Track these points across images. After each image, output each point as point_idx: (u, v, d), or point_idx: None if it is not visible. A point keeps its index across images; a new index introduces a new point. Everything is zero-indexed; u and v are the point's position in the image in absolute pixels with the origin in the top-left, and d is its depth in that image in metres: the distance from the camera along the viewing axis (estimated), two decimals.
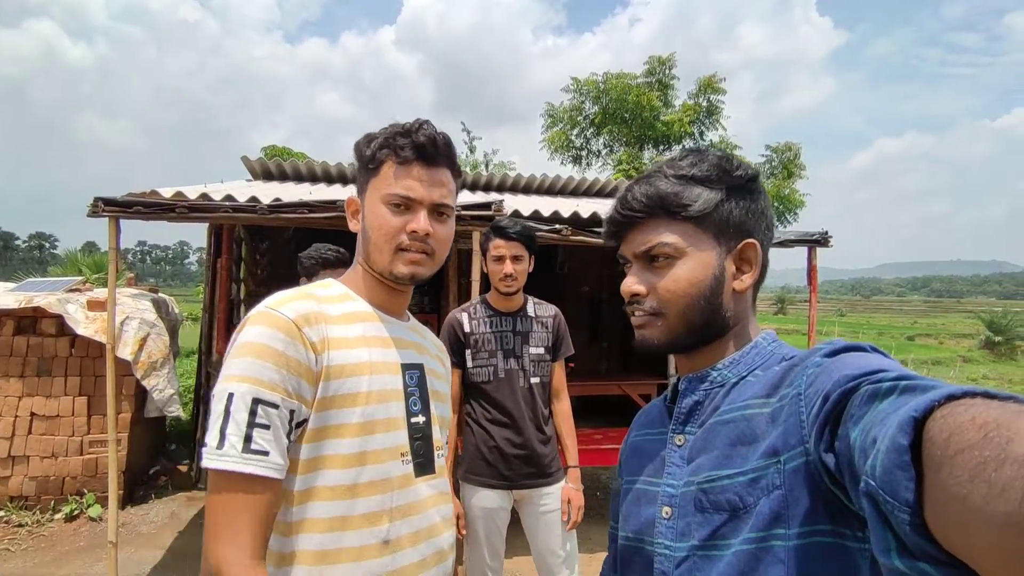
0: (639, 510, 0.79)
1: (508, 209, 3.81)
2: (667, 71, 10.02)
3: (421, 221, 0.94)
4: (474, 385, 2.24)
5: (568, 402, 2.33)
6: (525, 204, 4.53)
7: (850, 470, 0.49)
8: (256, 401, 0.81)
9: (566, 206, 4.50)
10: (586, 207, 4.45)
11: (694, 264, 0.75)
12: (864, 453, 0.45)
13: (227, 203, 3.48)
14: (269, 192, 4.58)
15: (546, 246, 6.89)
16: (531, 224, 2.15)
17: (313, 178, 6.35)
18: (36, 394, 4.30)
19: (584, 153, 11.60)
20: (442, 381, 1.10)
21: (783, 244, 3.85)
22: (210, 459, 0.79)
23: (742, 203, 0.77)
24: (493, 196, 5.44)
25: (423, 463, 0.98)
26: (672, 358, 4.84)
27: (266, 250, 6.25)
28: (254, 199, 3.87)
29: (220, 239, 5.23)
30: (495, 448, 2.18)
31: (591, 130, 11.15)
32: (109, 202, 3.10)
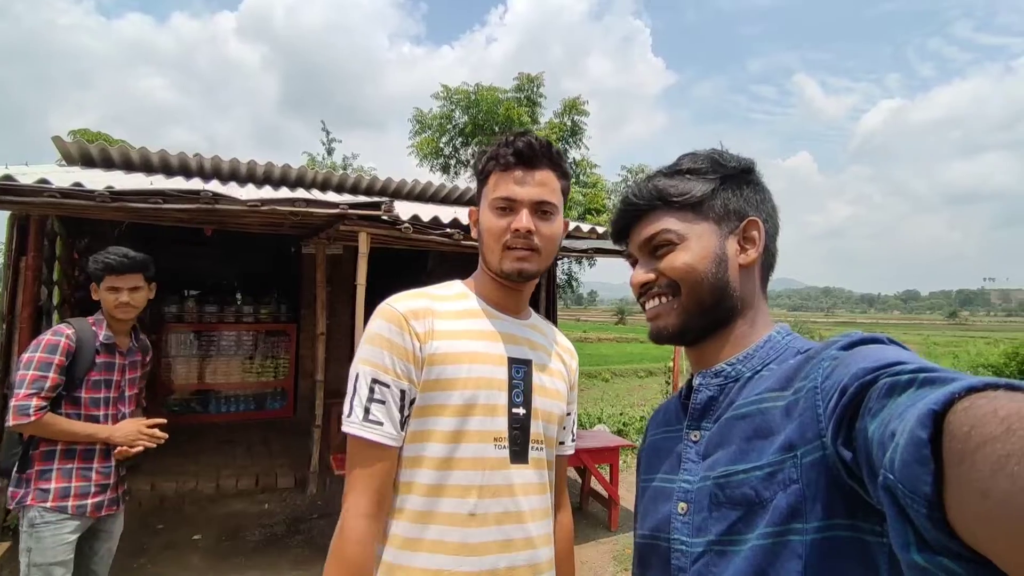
0: (656, 507, 0.78)
1: (403, 213, 3.60)
2: (535, 88, 10.41)
3: (523, 220, 1.02)
4: None
5: None
6: (406, 209, 4.33)
7: (868, 464, 0.48)
8: (374, 381, 0.98)
9: (445, 213, 4.39)
10: (463, 215, 4.38)
11: (695, 246, 0.77)
12: (883, 447, 0.44)
13: (49, 187, 2.84)
14: (95, 179, 3.86)
15: (415, 252, 6.72)
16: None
17: (148, 168, 5.52)
18: None
19: (453, 162, 11.58)
20: (554, 378, 1.13)
21: None
22: (344, 425, 0.98)
23: (739, 190, 0.80)
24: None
25: (518, 452, 1.04)
26: None
27: (86, 248, 5.24)
28: (79, 184, 3.22)
29: (25, 233, 4.26)
30: None
31: (460, 139, 11.17)
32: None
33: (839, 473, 0.56)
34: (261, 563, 3.74)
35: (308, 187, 6.12)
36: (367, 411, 0.97)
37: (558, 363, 1.17)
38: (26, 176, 3.47)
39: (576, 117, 10.22)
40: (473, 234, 1.13)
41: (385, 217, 3.12)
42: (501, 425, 1.03)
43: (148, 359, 2.38)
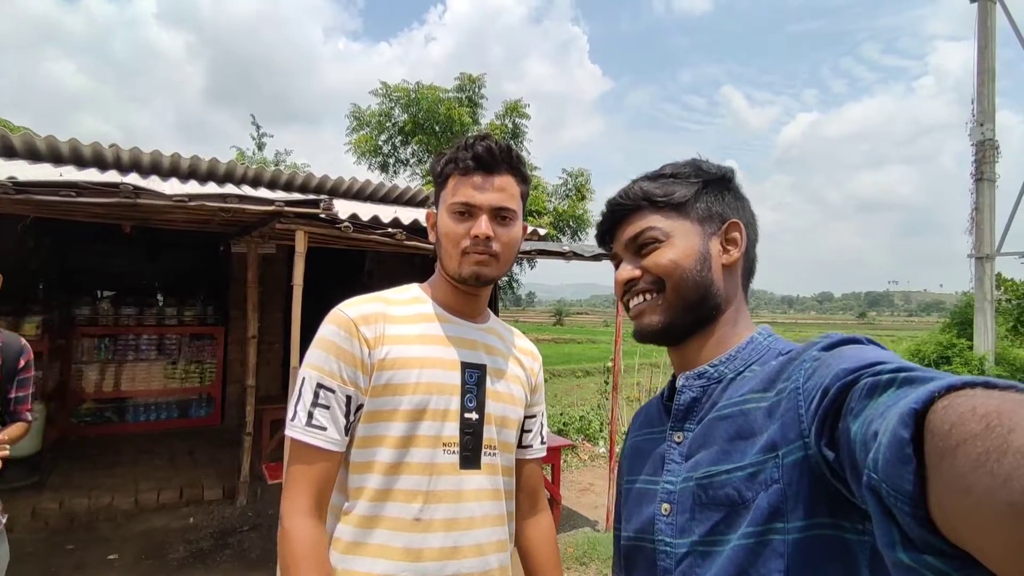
0: (640, 509, 0.78)
1: (343, 212, 3.48)
2: (477, 89, 10.37)
3: (482, 226, 1.02)
4: None
5: None
6: (344, 208, 4.19)
7: (851, 464, 0.48)
8: (319, 386, 0.98)
9: (385, 212, 4.29)
10: (404, 214, 4.30)
11: (681, 244, 0.78)
12: (865, 447, 0.44)
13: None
14: None
15: (355, 252, 6.53)
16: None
17: (56, 158, 5.10)
18: None
19: (392, 161, 11.33)
20: (510, 383, 1.13)
21: (596, 257, 4.19)
22: (287, 428, 0.98)
23: (720, 195, 0.82)
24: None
25: (470, 457, 1.04)
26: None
27: None
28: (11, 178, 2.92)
29: None
30: None
31: (399, 138, 10.95)
32: None
33: (822, 473, 0.56)
34: None
35: (238, 183, 5.82)
36: (310, 416, 0.96)
37: (516, 367, 1.16)
38: None
39: (517, 119, 10.28)
40: (431, 237, 1.13)
41: (324, 216, 3.00)
42: (452, 430, 1.02)
43: (24, 362, 2.07)
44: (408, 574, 0.97)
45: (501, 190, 1.04)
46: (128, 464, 5.11)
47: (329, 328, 1.01)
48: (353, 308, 1.02)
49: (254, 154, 13.55)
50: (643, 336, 0.81)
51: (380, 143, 10.95)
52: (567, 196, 10.19)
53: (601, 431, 7.35)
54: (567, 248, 4.07)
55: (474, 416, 1.05)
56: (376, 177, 10.62)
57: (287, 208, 2.85)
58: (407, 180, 10.97)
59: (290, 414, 0.98)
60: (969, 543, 0.35)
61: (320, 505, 0.97)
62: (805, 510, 0.59)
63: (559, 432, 7.00)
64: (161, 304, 6.61)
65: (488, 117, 10.43)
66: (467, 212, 1.03)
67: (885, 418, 0.43)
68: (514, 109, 10.21)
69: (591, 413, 8.14)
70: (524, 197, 1.11)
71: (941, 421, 0.37)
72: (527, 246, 4.04)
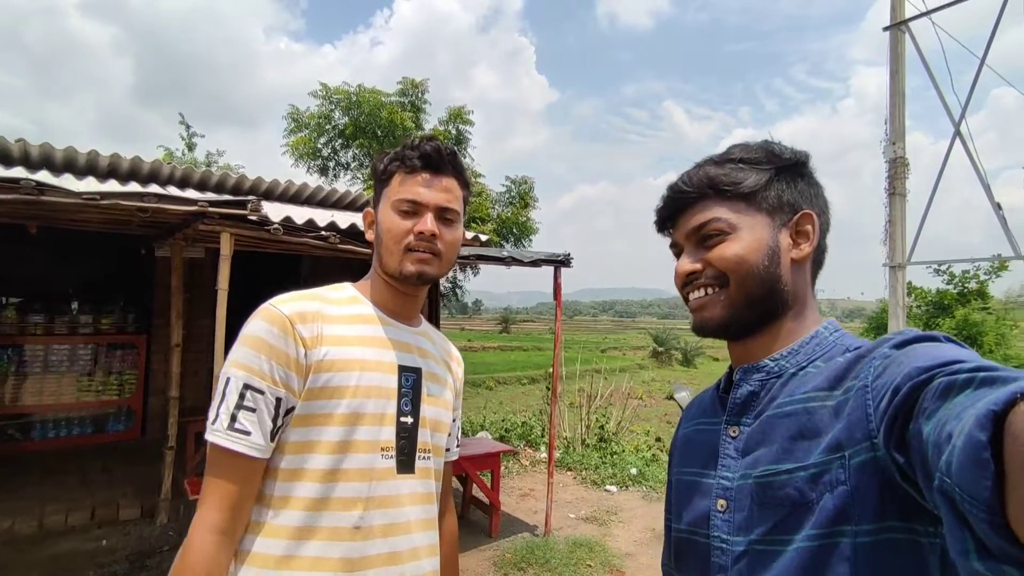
0: (692, 503, 0.76)
1: (275, 215, 3.34)
2: (420, 95, 10.26)
3: (428, 223, 1.00)
4: None
5: None
6: (277, 211, 4.04)
7: (923, 467, 0.46)
8: (246, 387, 0.91)
9: (322, 216, 4.16)
10: (341, 218, 4.19)
11: (747, 237, 0.73)
12: (939, 449, 0.42)
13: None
14: None
15: (289, 257, 6.31)
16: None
17: None
18: None
19: (332, 164, 11.03)
20: (442, 387, 1.13)
21: (535, 263, 4.22)
22: (208, 432, 0.91)
23: (793, 182, 0.77)
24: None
25: (405, 461, 1.02)
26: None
27: None
28: None
29: None
30: None
31: (339, 141, 10.67)
32: None
33: (891, 475, 0.54)
34: None
35: (163, 184, 5.50)
36: (234, 419, 0.90)
37: (446, 371, 1.16)
38: None
39: (461, 126, 10.25)
40: (368, 236, 1.10)
41: (252, 217, 2.88)
42: (389, 434, 1.00)
43: None
44: None
45: (447, 191, 1.04)
46: (33, 485, 4.70)
47: (260, 325, 0.94)
48: (288, 305, 0.97)
49: (183, 155, 12.90)
50: (703, 330, 0.77)
51: (319, 146, 10.65)
52: (510, 203, 10.22)
53: (543, 436, 7.39)
54: (506, 254, 4.07)
55: (410, 420, 1.03)
56: (315, 180, 10.34)
57: (211, 209, 2.71)
58: (347, 184, 10.74)
59: (211, 416, 0.91)
60: None
61: (236, 518, 0.91)
62: (874, 513, 0.57)
63: (500, 438, 6.98)
64: (75, 311, 6.16)
65: (431, 123, 10.38)
66: (412, 209, 1.01)
67: (961, 419, 0.41)
68: (457, 115, 10.18)
69: (533, 419, 8.17)
70: (466, 202, 1.11)
71: (1022, 424, 0.35)
72: (467, 251, 4.02)
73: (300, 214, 3.89)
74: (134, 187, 4.44)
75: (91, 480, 4.92)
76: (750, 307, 0.74)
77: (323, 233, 3.26)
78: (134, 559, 3.82)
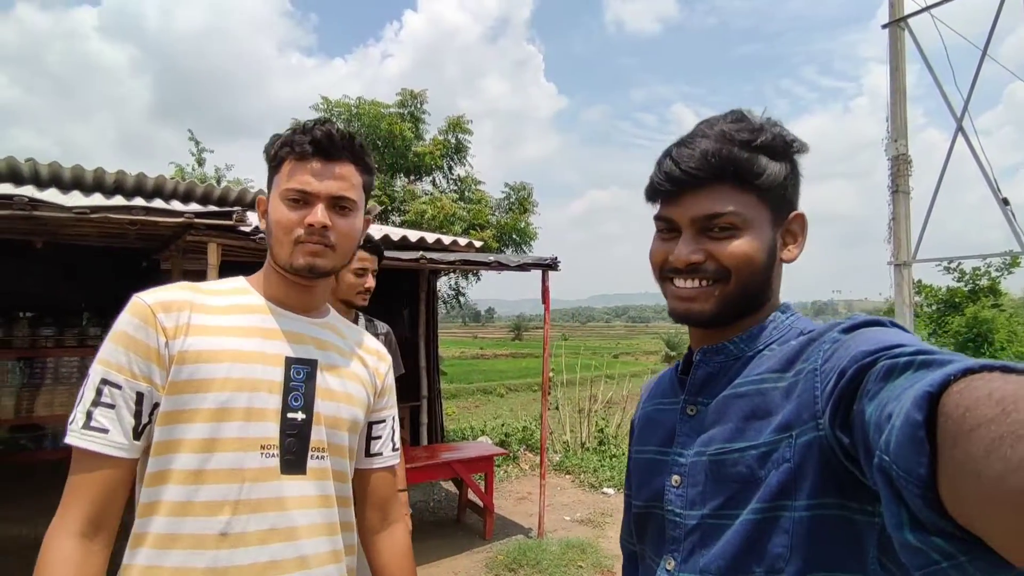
0: (650, 479, 0.78)
1: (247, 224, 3.45)
2: (419, 105, 10.41)
3: (317, 215, 0.95)
4: None
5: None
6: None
7: (864, 445, 0.48)
8: (104, 381, 0.87)
9: None
10: None
11: (755, 236, 0.72)
12: (879, 428, 0.44)
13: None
14: None
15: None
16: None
17: None
18: None
19: None
20: (349, 381, 1.05)
21: (522, 268, 4.29)
22: (66, 434, 0.86)
23: (795, 177, 0.75)
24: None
25: (293, 461, 0.94)
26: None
27: None
28: None
29: None
30: None
31: None
32: None
33: (834, 454, 0.56)
34: None
35: (167, 198, 5.68)
36: (89, 416, 0.85)
37: (358, 366, 1.09)
38: None
39: (460, 135, 10.37)
40: (261, 225, 1.06)
41: (239, 227, 2.99)
42: (270, 431, 0.93)
43: None
44: None
45: (341, 178, 0.97)
46: (44, 493, 4.82)
47: (123, 317, 0.90)
48: (153, 295, 0.92)
49: (193, 170, 13.18)
50: (686, 319, 0.75)
51: None
52: (510, 209, 10.33)
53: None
54: (492, 259, 4.15)
55: (300, 416, 0.96)
56: None
57: (197, 220, 2.83)
58: None
59: (71, 417, 0.86)
60: (978, 527, 0.35)
61: (98, 524, 0.85)
62: (813, 489, 0.59)
63: (501, 443, 7.03)
64: (84, 324, 6.33)
65: (431, 132, 10.52)
66: (302, 199, 0.95)
67: (900, 400, 0.42)
68: (456, 125, 10.30)
69: (535, 424, 8.21)
70: (367, 188, 1.05)
71: (956, 405, 0.37)
72: (453, 256, 4.10)
73: None
74: (120, 200, 4.60)
75: None
76: (742, 302, 0.74)
77: None
78: None
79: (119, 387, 0.87)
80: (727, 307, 0.73)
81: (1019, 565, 0.34)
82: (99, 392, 0.86)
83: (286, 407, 0.94)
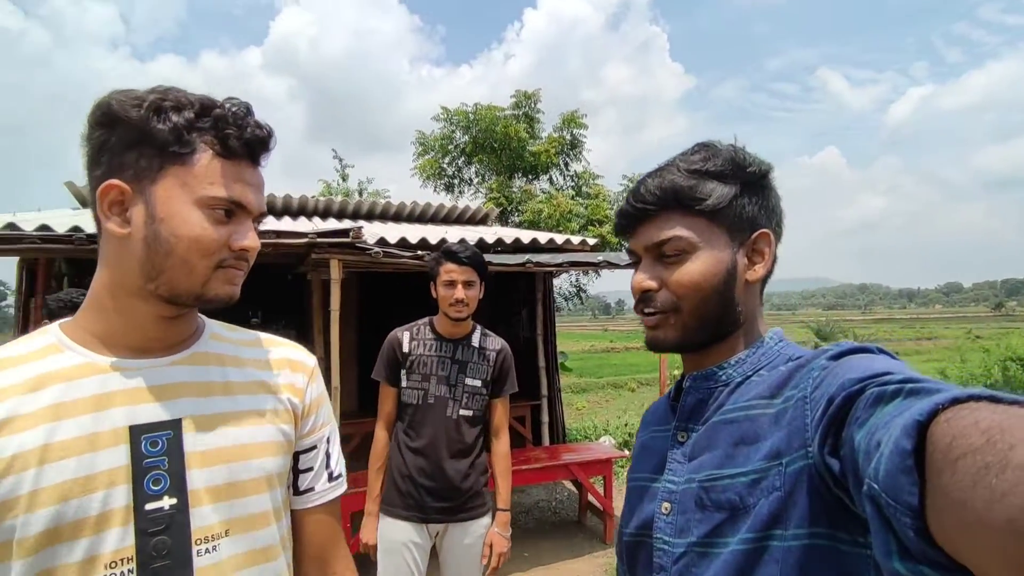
0: (641, 506, 0.78)
1: (372, 237, 3.72)
2: (533, 105, 10.58)
3: (253, 237, 0.75)
4: (404, 407, 2.13)
5: (507, 442, 2.23)
6: (393, 232, 4.45)
7: (854, 473, 0.49)
8: None
9: (434, 233, 4.49)
10: (455, 234, 4.47)
11: (707, 258, 0.73)
12: (868, 456, 0.44)
13: (36, 234, 3.04)
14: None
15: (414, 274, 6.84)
16: (479, 251, 2.09)
17: None
18: None
19: (456, 181, 11.81)
20: (241, 428, 0.77)
21: (632, 266, 4.13)
22: None
23: (754, 197, 0.76)
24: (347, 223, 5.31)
25: (169, 567, 0.69)
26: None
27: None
28: (77, 228, 3.41)
29: (34, 276, 4.52)
30: (408, 477, 2.07)
31: (462, 159, 11.41)
32: None
33: (824, 482, 0.56)
34: None
35: (310, 215, 6.35)
36: None
37: (260, 395, 0.81)
38: (29, 223, 3.69)
39: (575, 130, 10.34)
40: (112, 225, 0.70)
41: (356, 243, 3.22)
42: (120, 540, 0.67)
43: None
44: None
45: (262, 188, 0.77)
46: None
47: None
48: None
49: (338, 185, 14.51)
50: (655, 348, 0.78)
51: (444, 165, 11.42)
52: None
53: None
54: (600, 258, 4.05)
55: (167, 504, 0.70)
56: (440, 198, 11.12)
57: (319, 239, 3.10)
58: (470, 199, 11.40)
59: None
60: (965, 557, 0.35)
61: None
62: (804, 519, 0.59)
63: (623, 443, 6.86)
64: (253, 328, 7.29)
65: (547, 130, 10.59)
66: (231, 213, 0.73)
67: (889, 428, 0.43)
68: (571, 120, 10.27)
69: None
70: None
71: (943, 433, 0.38)
72: (561, 258, 4.06)
73: (415, 233, 4.25)
74: (269, 223, 5.16)
75: None
76: (702, 329, 0.74)
77: (419, 252, 3.53)
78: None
79: None
80: (689, 333, 0.75)
81: None
82: None
83: (141, 498, 0.69)
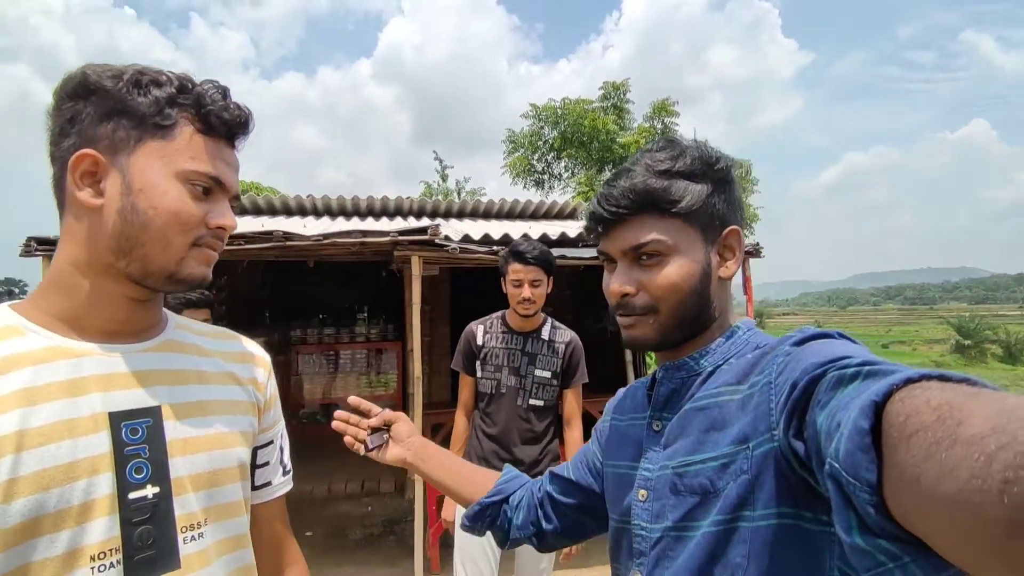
0: (621, 494, 0.81)
1: (456, 234, 3.88)
2: (622, 95, 10.39)
3: (231, 217, 0.74)
4: (480, 395, 2.30)
5: (579, 431, 2.29)
6: (479, 228, 4.61)
7: (817, 454, 0.50)
8: None
9: (517, 229, 4.58)
10: (538, 229, 4.54)
11: (684, 260, 0.74)
12: (829, 437, 0.46)
13: None
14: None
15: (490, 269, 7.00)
16: (547, 248, 2.19)
17: (272, 211, 6.40)
18: None
19: (546, 177, 11.90)
20: (216, 416, 0.77)
21: None
22: None
23: (723, 195, 0.76)
24: (426, 222, 5.53)
25: (154, 557, 0.67)
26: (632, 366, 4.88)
27: (224, 285, 6.23)
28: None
29: None
30: (484, 460, 2.21)
31: (551, 154, 11.44)
32: (42, 241, 3.12)
33: (788, 464, 0.59)
34: (359, 559, 4.17)
35: (405, 216, 6.72)
36: None
37: (229, 386, 0.81)
38: None
39: (667, 119, 9.99)
40: (84, 196, 0.67)
41: (435, 240, 3.39)
42: (105, 532, 0.64)
43: None
44: None
45: (237, 171, 0.76)
46: (328, 459, 6.13)
47: None
48: None
49: (438, 185, 15.14)
50: (633, 347, 0.80)
51: (533, 162, 11.53)
52: None
53: None
54: None
55: (150, 492, 0.68)
56: (530, 195, 11.26)
57: (401, 237, 3.29)
58: (560, 194, 11.42)
59: None
60: (919, 529, 0.37)
61: None
62: (771, 500, 0.61)
63: None
64: (356, 323, 7.85)
65: (637, 120, 10.33)
66: (210, 189, 0.71)
67: (848, 409, 0.45)
68: (662, 109, 9.94)
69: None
70: None
71: (897, 412, 0.39)
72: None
73: (498, 229, 4.37)
74: (346, 223, 5.51)
75: (363, 458, 6.18)
76: (679, 329, 0.76)
77: (494, 248, 3.64)
78: (386, 524, 4.74)
79: None
80: (667, 333, 0.76)
81: (957, 564, 0.35)
82: None
83: (125, 486, 0.66)
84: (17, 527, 0.59)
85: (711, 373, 0.75)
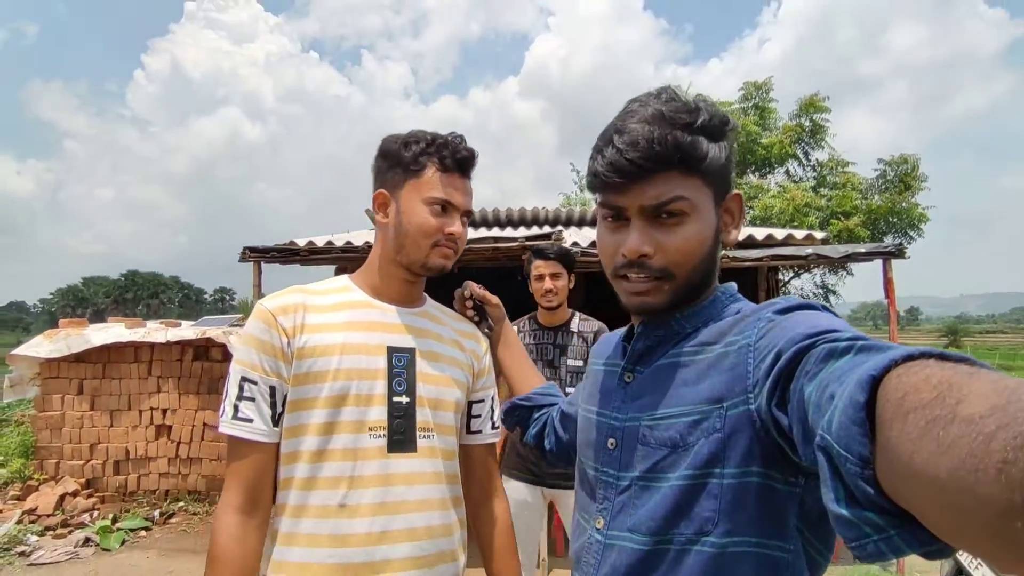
0: (589, 439, 0.83)
1: (585, 240, 4.17)
2: (764, 95, 9.78)
3: (458, 225, 1.07)
4: None
5: None
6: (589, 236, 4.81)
7: (801, 423, 0.50)
8: (243, 379, 0.99)
9: None
10: None
11: (702, 222, 0.72)
12: (819, 409, 0.46)
13: (338, 247, 4.25)
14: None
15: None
16: (566, 247, 2.46)
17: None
18: (207, 408, 5.05)
19: None
20: (447, 365, 1.12)
21: (849, 259, 3.77)
22: (220, 424, 0.99)
23: (731, 158, 0.76)
24: (544, 229, 5.77)
25: (401, 441, 1.03)
26: None
27: None
28: (368, 243, 4.61)
29: None
30: (523, 456, 2.40)
31: None
32: (253, 250, 4.00)
33: (766, 430, 0.60)
34: None
35: (541, 224, 7.15)
36: (236, 409, 0.97)
37: (454, 350, 1.15)
38: (340, 240, 5.05)
39: (816, 115, 9.24)
40: (380, 217, 1.10)
41: (563, 245, 3.73)
42: (378, 414, 1.01)
43: None
44: (334, 560, 0.96)
45: (469, 194, 1.10)
46: None
47: (250, 323, 1.02)
48: (272, 300, 1.03)
49: (575, 195, 15.48)
50: (641, 312, 0.77)
51: None
52: (885, 190, 8.57)
53: None
54: (810, 251, 3.75)
55: (404, 399, 1.04)
56: None
57: (527, 243, 3.68)
58: None
59: (221, 410, 0.99)
60: (911, 504, 0.37)
61: (255, 500, 0.98)
62: (740, 459, 0.63)
63: None
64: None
65: (782, 119, 9.69)
66: (443, 207, 1.05)
67: (843, 382, 0.44)
68: (810, 105, 9.19)
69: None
70: None
71: (895, 388, 0.39)
72: (756, 253, 3.93)
73: None
74: (479, 232, 5.98)
75: None
76: (690, 293, 0.75)
77: (591, 250, 3.87)
78: None
79: (255, 383, 0.98)
80: (678, 298, 0.74)
81: (945, 539, 0.36)
82: (241, 388, 0.98)
83: (391, 392, 1.03)
84: (335, 396, 0.99)
85: (689, 334, 0.75)
